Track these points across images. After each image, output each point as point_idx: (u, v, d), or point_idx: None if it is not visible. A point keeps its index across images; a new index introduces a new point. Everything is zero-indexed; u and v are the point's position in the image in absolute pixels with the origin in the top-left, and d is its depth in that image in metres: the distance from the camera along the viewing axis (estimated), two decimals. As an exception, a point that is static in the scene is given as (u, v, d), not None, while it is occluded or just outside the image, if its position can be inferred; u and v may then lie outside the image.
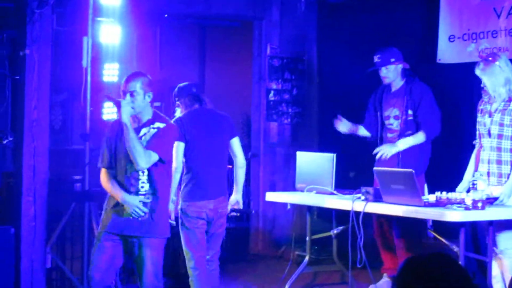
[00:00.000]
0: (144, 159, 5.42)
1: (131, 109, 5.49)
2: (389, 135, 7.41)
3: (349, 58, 8.80)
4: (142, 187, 5.57)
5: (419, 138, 7.18)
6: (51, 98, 7.82)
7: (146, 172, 5.55)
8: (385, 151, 7.20)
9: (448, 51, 8.07)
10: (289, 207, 7.56)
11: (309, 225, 7.61)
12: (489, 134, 6.26)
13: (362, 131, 7.66)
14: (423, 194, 6.38)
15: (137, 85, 5.56)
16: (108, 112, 7.63)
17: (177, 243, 6.69)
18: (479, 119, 6.38)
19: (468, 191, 6.14)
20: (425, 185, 6.80)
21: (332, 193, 6.94)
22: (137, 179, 5.57)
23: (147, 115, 5.65)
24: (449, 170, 7.23)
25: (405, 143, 7.16)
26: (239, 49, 11.34)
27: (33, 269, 7.49)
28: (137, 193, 5.56)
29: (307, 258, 7.58)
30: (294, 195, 7.31)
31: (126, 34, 7.89)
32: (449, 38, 8.04)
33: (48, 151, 7.55)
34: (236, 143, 6.67)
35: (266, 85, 9.79)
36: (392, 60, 7.32)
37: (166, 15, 10.40)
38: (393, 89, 7.42)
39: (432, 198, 6.19)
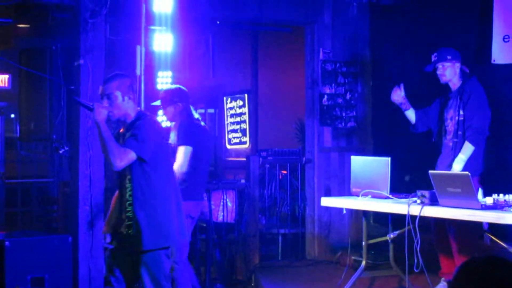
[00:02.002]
0: (119, 157, 5.14)
1: (107, 112, 5.25)
2: (447, 137, 7.33)
3: (403, 60, 8.77)
4: (130, 195, 5.32)
5: (468, 150, 7.06)
6: (106, 107, 7.90)
7: (130, 177, 5.29)
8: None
9: (502, 52, 7.99)
10: (344, 211, 7.56)
11: (365, 230, 7.59)
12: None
13: (410, 113, 7.58)
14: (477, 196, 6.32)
15: (114, 87, 5.35)
16: (163, 120, 7.70)
17: (234, 250, 6.74)
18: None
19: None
20: (480, 188, 6.73)
21: (387, 197, 6.92)
22: (125, 187, 5.35)
23: (130, 118, 5.40)
24: (506, 173, 7.15)
25: (460, 164, 7.05)
26: (292, 54, 11.36)
27: (90, 277, 7.59)
28: (126, 202, 5.32)
29: (363, 263, 7.55)
30: (349, 200, 7.29)
31: (179, 41, 7.95)
32: (504, 38, 7.96)
33: (103, 160, 7.64)
34: None
35: (319, 90, 9.79)
36: (449, 57, 7.26)
37: (218, 22, 10.47)
38: (452, 89, 7.37)
39: (489, 200, 6.14)
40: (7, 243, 6.90)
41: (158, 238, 5.28)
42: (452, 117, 7.28)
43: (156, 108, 7.63)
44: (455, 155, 7.12)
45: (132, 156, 5.18)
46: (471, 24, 8.54)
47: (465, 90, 7.19)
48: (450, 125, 7.31)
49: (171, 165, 5.71)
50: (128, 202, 5.30)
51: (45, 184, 10.20)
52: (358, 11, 9.88)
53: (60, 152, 7.67)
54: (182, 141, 6.74)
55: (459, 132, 7.17)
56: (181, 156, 6.69)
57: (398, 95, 7.52)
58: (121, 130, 5.43)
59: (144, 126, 5.28)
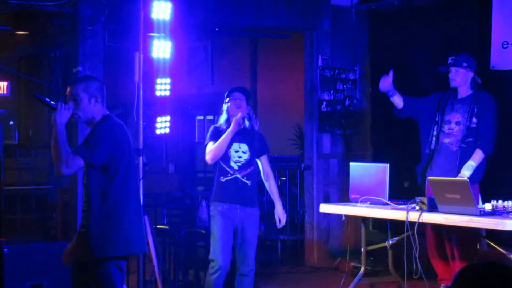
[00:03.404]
0: (65, 162, 4.88)
1: (70, 113, 5.02)
2: (447, 140, 7.33)
3: (402, 67, 8.77)
4: (86, 201, 5.08)
5: (479, 158, 7.08)
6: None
7: (86, 183, 5.05)
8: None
9: (501, 58, 8.01)
10: (343, 218, 7.56)
11: (364, 236, 7.59)
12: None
13: (397, 99, 7.62)
14: (477, 203, 6.33)
15: (80, 89, 5.11)
16: (161, 127, 7.69)
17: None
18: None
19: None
20: (479, 195, 6.74)
21: (386, 204, 6.93)
22: (83, 194, 5.12)
23: (96, 121, 5.15)
24: (504, 179, 7.15)
25: (470, 171, 7.05)
26: (290, 60, 11.37)
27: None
28: (81, 208, 5.11)
29: (362, 269, 7.56)
30: (348, 207, 7.29)
31: (177, 48, 7.96)
32: (502, 45, 7.98)
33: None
34: None
35: (318, 96, 9.80)
36: (464, 65, 7.29)
37: (217, 28, 10.48)
38: (459, 96, 7.37)
39: (488, 207, 6.15)
40: (5, 250, 6.89)
41: (108, 247, 4.99)
42: (460, 122, 7.26)
43: (154, 114, 7.63)
44: (461, 161, 7.11)
45: (79, 162, 4.94)
46: (471, 30, 8.56)
47: (483, 100, 7.21)
48: (455, 129, 7.28)
49: (134, 172, 5.29)
50: (84, 209, 5.07)
51: (44, 191, 10.22)
52: (357, 17, 9.90)
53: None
54: None
55: (469, 139, 7.16)
56: None
57: (387, 82, 7.55)
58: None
59: (99, 131, 5.06)
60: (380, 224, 7.86)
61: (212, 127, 7.02)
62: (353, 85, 9.95)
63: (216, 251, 6.65)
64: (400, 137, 8.74)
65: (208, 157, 6.80)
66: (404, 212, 6.50)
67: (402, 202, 6.88)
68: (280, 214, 6.92)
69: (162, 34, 7.66)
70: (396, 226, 7.01)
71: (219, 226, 6.69)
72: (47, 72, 8.16)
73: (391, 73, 7.51)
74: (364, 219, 7.56)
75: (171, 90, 7.82)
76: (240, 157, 6.80)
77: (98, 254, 4.97)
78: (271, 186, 7.02)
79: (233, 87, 7.17)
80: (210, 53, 12.32)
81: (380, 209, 6.89)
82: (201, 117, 13.13)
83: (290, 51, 11.46)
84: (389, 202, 6.93)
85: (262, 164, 6.98)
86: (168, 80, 7.75)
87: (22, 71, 8.27)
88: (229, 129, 6.69)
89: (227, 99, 6.97)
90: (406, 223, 6.45)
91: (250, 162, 6.82)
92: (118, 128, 5.16)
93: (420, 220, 6.36)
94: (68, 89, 5.16)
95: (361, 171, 7.39)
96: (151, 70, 7.69)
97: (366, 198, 7.10)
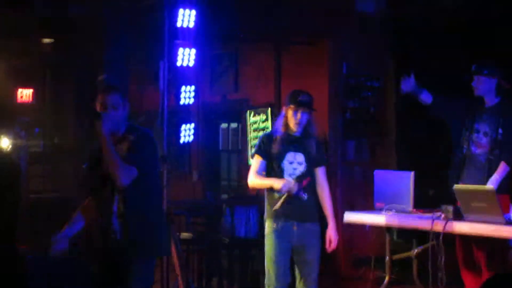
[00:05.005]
0: (126, 174, 5.02)
1: (113, 122, 5.10)
2: (476, 150, 7.22)
3: (428, 74, 8.73)
4: (119, 208, 5.18)
5: (502, 170, 6.95)
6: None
7: (122, 191, 5.14)
8: None
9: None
10: (368, 227, 7.53)
11: (389, 245, 7.56)
12: None
13: (425, 96, 7.47)
14: (508, 213, 6.28)
15: (119, 98, 5.19)
16: (185, 134, 7.72)
17: (257, 265, 6.73)
18: None
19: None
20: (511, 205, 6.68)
21: (411, 212, 6.90)
22: (113, 200, 5.18)
23: (121, 129, 5.24)
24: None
25: (494, 184, 6.97)
26: (315, 67, 11.35)
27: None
28: (113, 215, 5.18)
29: (387, 278, 7.52)
30: (373, 215, 7.26)
31: (202, 56, 7.98)
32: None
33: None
34: None
35: (342, 104, 9.78)
36: (485, 72, 7.16)
37: (241, 35, 10.49)
38: (487, 104, 7.27)
39: (515, 216, 6.11)
40: (29, 256, 6.93)
41: (150, 248, 5.21)
42: (488, 133, 7.17)
43: (179, 122, 7.66)
44: (489, 173, 7.04)
45: (134, 173, 5.07)
46: (500, 36, 8.47)
47: (504, 109, 7.11)
48: (484, 140, 7.19)
49: (159, 174, 5.54)
50: (115, 214, 5.17)
51: (69, 199, 10.25)
52: (382, 24, 9.87)
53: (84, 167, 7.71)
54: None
55: (496, 151, 7.08)
56: None
57: (409, 83, 7.44)
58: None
59: (144, 140, 5.19)
60: (405, 233, 7.82)
61: (262, 135, 6.45)
62: (378, 93, 9.92)
63: (271, 276, 6.11)
64: (425, 144, 8.70)
65: (249, 186, 6.32)
66: (429, 221, 6.46)
67: (428, 210, 6.85)
68: (332, 235, 6.32)
69: (187, 42, 7.69)
70: (422, 234, 6.97)
71: (275, 247, 6.10)
72: (73, 79, 8.21)
73: (412, 75, 7.42)
74: (389, 228, 7.53)
75: (195, 97, 7.84)
76: (295, 169, 6.21)
77: (144, 255, 5.16)
78: (325, 200, 6.35)
79: (300, 92, 6.53)
80: (235, 60, 12.32)
81: (404, 218, 6.87)
82: (225, 125, 13.14)
83: (314, 58, 11.44)
84: (414, 211, 6.90)
85: (318, 175, 6.33)
86: (192, 88, 7.78)
87: (48, 77, 8.31)
88: (274, 185, 6.09)
89: (291, 105, 6.35)
90: (431, 232, 6.42)
91: (307, 174, 6.21)
92: (152, 136, 5.33)
93: (446, 230, 6.32)
94: (106, 97, 5.16)
95: (385, 179, 7.37)
96: (176, 78, 7.71)
97: (391, 207, 7.08)
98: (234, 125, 12.81)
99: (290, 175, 6.17)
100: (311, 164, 6.27)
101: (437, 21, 9.09)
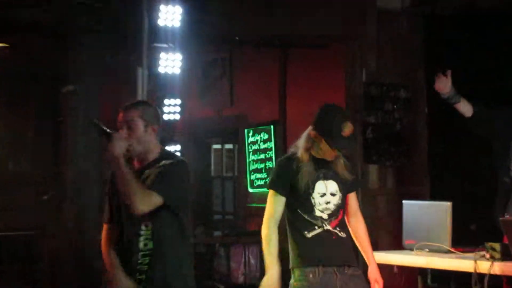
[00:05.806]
0: (142, 199, 5.06)
1: (126, 144, 5.13)
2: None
3: (466, 81, 8.68)
4: (146, 244, 5.27)
5: None
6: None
7: (150, 226, 5.23)
8: None
9: None
10: (395, 270, 7.48)
11: (422, 291, 7.52)
12: None
13: (463, 106, 7.33)
14: None
15: (135, 115, 5.26)
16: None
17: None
18: None
19: None
20: None
21: (449, 252, 6.85)
22: (139, 235, 5.26)
23: (153, 154, 5.31)
24: None
25: None
26: (328, 76, 11.34)
27: None
28: (138, 252, 5.25)
29: (420, 330, 7.49)
30: (402, 255, 7.22)
31: (189, 62, 7.96)
32: None
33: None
34: None
35: (362, 119, 9.74)
36: None
37: (237, 38, 10.46)
38: None
39: None
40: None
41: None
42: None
43: (161, 143, 7.60)
44: None
45: (158, 201, 5.11)
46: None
47: None
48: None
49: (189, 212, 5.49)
50: (142, 253, 5.25)
51: (28, 237, 10.20)
52: (409, 23, 9.87)
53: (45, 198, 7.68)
54: None
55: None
56: None
57: (444, 83, 7.31)
58: (136, 168, 5.30)
59: (175, 169, 5.26)
60: (442, 276, 7.76)
61: (279, 160, 5.94)
62: (405, 105, 9.89)
63: None
64: (465, 168, 8.65)
65: (262, 236, 5.65)
66: (472, 262, 6.41)
67: (469, 249, 6.79)
68: (376, 276, 6.09)
69: (171, 45, 7.66)
70: (462, 278, 6.91)
71: None
72: (32, 92, 8.18)
73: (449, 74, 7.33)
74: (422, 271, 7.47)
75: (181, 113, 7.80)
76: (328, 202, 5.66)
77: None
78: (359, 232, 6.00)
79: (344, 120, 5.63)
80: (229, 68, 12.31)
81: (441, 258, 6.82)
82: (219, 146, 13.11)
83: (327, 65, 11.43)
84: (452, 250, 6.85)
85: (349, 200, 5.86)
86: (177, 101, 7.74)
87: (1, 92, 8.28)
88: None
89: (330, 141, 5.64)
90: (473, 275, 6.36)
91: (341, 205, 5.73)
92: (188, 166, 5.40)
93: (492, 272, 6.26)
94: (121, 114, 5.27)
95: (417, 211, 7.34)
96: (157, 89, 7.69)
97: (424, 245, 7.02)
98: (229, 145, 12.80)
99: (323, 210, 5.65)
100: (345, 191, 5.78)
101: (477, 16, 9.06)
